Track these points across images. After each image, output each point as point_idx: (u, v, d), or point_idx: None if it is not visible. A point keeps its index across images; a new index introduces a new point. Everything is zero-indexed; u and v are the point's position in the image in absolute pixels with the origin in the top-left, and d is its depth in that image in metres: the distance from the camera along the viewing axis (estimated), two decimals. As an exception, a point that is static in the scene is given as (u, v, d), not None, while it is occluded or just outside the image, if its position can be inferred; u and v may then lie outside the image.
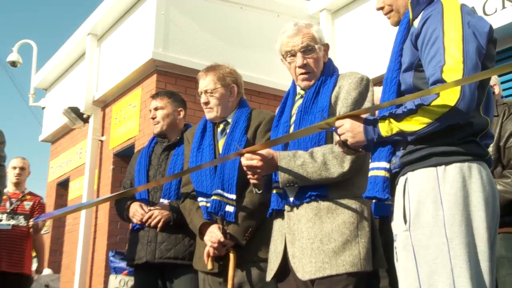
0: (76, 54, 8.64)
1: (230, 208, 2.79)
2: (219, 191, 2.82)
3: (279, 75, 6.60)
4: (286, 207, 2.45)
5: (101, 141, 7.79)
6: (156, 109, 3.61)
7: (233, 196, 2.80)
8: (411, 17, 2.04)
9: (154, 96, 3.67)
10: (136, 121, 6.91)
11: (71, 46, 8.52)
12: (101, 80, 7.80)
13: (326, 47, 2.60)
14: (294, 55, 2.53)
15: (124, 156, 7.31)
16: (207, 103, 3.00)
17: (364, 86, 2.47)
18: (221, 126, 3.03)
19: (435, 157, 1.87)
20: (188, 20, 6.81)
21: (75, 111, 7.85)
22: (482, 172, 1.87)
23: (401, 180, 1.95)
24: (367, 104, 2.43)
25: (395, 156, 1.97)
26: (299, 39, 2.51)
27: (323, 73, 2.55)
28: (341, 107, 2.43)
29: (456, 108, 1.77)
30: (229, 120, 3.01)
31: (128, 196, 3.57)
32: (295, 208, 2.41)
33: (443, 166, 1.85)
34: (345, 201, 2.36)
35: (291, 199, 2.42)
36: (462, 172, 1.84)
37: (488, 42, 1.92)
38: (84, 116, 7.89)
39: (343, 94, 2.45)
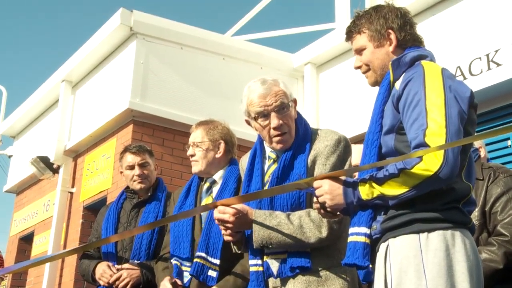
0: (49, 101, 8.68)
1: (212, 273, 2.80)
2: (203, 254, 2.82)
3: (261, 129, 6.70)
4: (271, 282, 2.44)
5: (71, 193, 7.74)
6: (142, 165, 3.62)
7: (217, 261, 2.80)
8: (391, 78, 2.10)
9: (134, 151, 3.66)
10: (110, 173, 6.91)
11: (43, 92, 8.57)
12: (74, 129, 7.82)
13: (295, 102, 2.60)
14: (267, 115, 2.49)
15: (95, 209, 7.23)
16: (192, 155, 3.07)
17: (342, 148, 2.48)
18: (207, 184, 3.08)
19: (418, 224, 1.90)
20: (168, 70, 6.95)
21: (44, 160, 7.81)
22: (465, 240, 1.91)
23: (382, 246, 1.98)
24: (346, 168, 2.45)
25: (376, 221, 2.00)
26: (272, 98, 2.48)
27: (296, 132, 2.54)
28: (320, 173, 2.41)
29: (439, 173, 1.83)
30: (216, 179, 3.05)
31: (95, 249, 3.56)
32: (282, 287, 2.40)
33: (425, 233, 1.88)
34: (334, 271, 2.37)
35: (275, 272, 2.42)
36: (446, 240, 1.87)
37: (469, 107, 2.00)
38: (54, 166, 7.85)
39: (321, 159, 2.46)
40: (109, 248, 3.49)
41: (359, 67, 2.26)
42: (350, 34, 2.28)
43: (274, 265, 2.43)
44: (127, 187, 3.73)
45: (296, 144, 2.52)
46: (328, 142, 2.48)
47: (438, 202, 1.92)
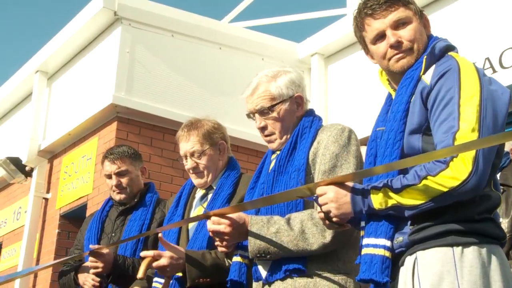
0: (21, 95, 8.70)
1: None
2: None
3: (261, 128, 6.71)
4: (255, 285, 2.48)
5: (46, 199, 7.75)
6: (119, 174, 3.64)
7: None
8: (422, 71, 2.09)
9: (111, 158, 3.67)
10: (90, 176, 6.93)
11: (14, 84, 8.59)
12: (50, 127, 7.84)
13: (299, 98, 2.65)
14: (253, 116, 2.66)
15: (73, 218, 7.27)
16: (195, 168, 3.04)
17: (346, 138, 2.50)
18: (203, 191, 3.10)
19: (453, 236, 1.90)
20: (157, 60, 6.96)
21: (15, 162, 7.83)
22: (501, 258, 1.93)
23: (409, 260, 1.97)
24: (351, 160, 2.46)
25: (400, 233, 1.99)
26: (254, 100, 2.63)
27: (298, 128, 2.61)
28: (320, 165, 2.47)
29: (467, 183, 1.83)
30: (213, 185, 3.06)
31: (76, 262, 3.60)
32: (267, 287, 2.43)
33: (460, 247, 1.89)
34: (325, 278, 2.38)
35: (264, 274, 2.46)
36: (482, 256, 1.88)
37: (507, 109, 1.99)
38: (26, 168, 7.86)
39: (321, 149, 2.50)
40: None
41: (399, 43, 2.15)
42: (390, 2, 2.17)
43: (264, 266, 2.47)
44: None
45: (297, 135, 2.59)
46: (330, 132, 2.53)
47: (473, 212, 1.92)
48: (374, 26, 2.19)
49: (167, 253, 2.78)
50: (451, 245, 1.89)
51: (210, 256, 2.81)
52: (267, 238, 2.38)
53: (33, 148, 7.77)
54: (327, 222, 2.09)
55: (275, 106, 2.61)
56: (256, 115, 2.63)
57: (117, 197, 3.66)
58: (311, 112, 2.69)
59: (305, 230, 2.37)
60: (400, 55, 2.15)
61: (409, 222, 1.98)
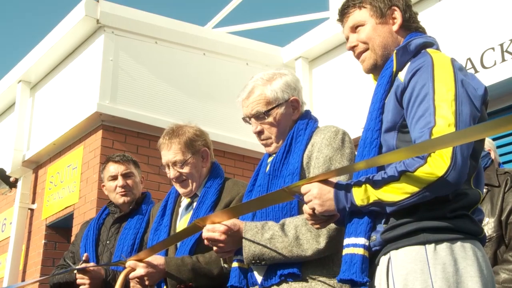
0: (3, 105, 8.68)
1: None
2: None
3: (247, 132, 6.73)
4: None
5: (31, 210, 7.73)
6: (126, 175, 3.66)
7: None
8: (394, 68, 2.11)
9: (117, 160, 3.71)
10: (76, 185, 6.92)
11: (-3, 95, 8.57)
12: (34, 137, 7.83)
13: (295, 102, 2.66)
14: (249, 120, 2.65)
15: (59, 228, 7.25)
16: (178, 178, 3.03)
17: (340, 141, 2.50)
18: (188, 199, 3.10)
19: (424, 234, 1.91)
20: (141, 68, 6.98)
21: (-1, 173, 7.82)
22: (478, 253, 1.93)
23: (383, 260, 1.99)
24: (345, 162, 2.47)
25: (375, 232, 2.00)
26: (250, 105, 2.62)
27: (293, 131, 2.61)
28: (314, 169, 2.48)
29: (445, 178, 1.84)
30: (198, 193, 3.06)
31: (70, 264, 3.59)
32: None
33: (432, 245, 1.90)
34: (320, 282, 2.40)
35: (259, 279, 2.47)
36: (454, 253, 1.89)
37: (482, 104, 2.03)
38: (11, 179, 7.85)
39: (315, 152, 2.50)
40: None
41: (354, 47, 2.24)
42: (346, 10, 2.27)
43: (260, 271, 2.48)
44: (110, 202, 3.79)
45: (291, 137, 2.59)
46: (324, 134, 2.54)
47: (446, 209, 1.93)
48: (343, 32, 2.28)
49: (143, 263, 2.79)
50: (423, 243, 1.90)
51: (190, 260, 2.83)
52: (261, 245, 2.39)
53: (17, 158, 7.76)
54: (313, 219, 2.10)
55: (271, 110, 2.60)
56: (252, 119, 2.62)
57: (121, 199, 3.64)
58: (306, 114, 2.69)
59: (299, 236, 2.38)
60: (362, 57, 2.22)
61: (383, 221, 2.00)
